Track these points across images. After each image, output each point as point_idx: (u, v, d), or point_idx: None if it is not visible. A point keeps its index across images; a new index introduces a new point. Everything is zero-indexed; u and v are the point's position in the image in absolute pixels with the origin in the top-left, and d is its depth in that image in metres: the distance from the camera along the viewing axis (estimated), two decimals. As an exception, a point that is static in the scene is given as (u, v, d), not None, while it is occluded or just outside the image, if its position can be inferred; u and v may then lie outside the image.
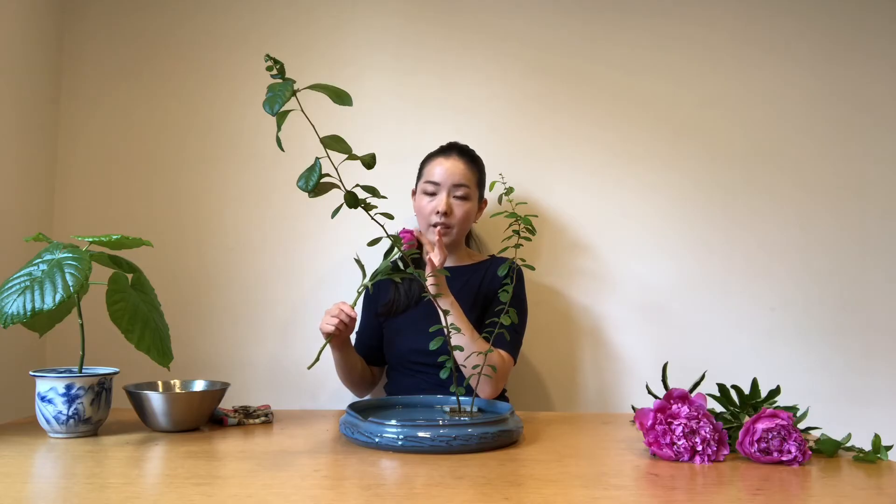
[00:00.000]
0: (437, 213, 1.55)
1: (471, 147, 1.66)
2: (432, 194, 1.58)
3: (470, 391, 1.28)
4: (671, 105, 1.88)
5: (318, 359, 1.25)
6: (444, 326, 1.20)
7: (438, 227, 1.54)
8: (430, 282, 1.39)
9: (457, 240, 1.61)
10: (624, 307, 1.84)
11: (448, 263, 1.65)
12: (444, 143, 1.66)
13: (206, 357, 1.80)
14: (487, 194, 1.67)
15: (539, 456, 1.09)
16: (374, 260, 1.66)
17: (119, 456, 1.07)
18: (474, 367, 1.26)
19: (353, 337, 1.62)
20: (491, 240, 1.83)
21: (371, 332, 1.65)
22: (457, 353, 1.33)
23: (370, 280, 1.31)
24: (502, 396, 1.59)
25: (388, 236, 1.24)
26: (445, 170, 1.57)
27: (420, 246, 1.55)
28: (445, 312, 1.24)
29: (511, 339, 1.46)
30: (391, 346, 1.61)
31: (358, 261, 1.33)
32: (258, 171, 1.84)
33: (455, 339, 1.35)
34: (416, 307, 1.59)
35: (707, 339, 1.83)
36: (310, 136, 1.01)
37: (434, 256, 1.40)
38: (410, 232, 1.45)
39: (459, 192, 1.57)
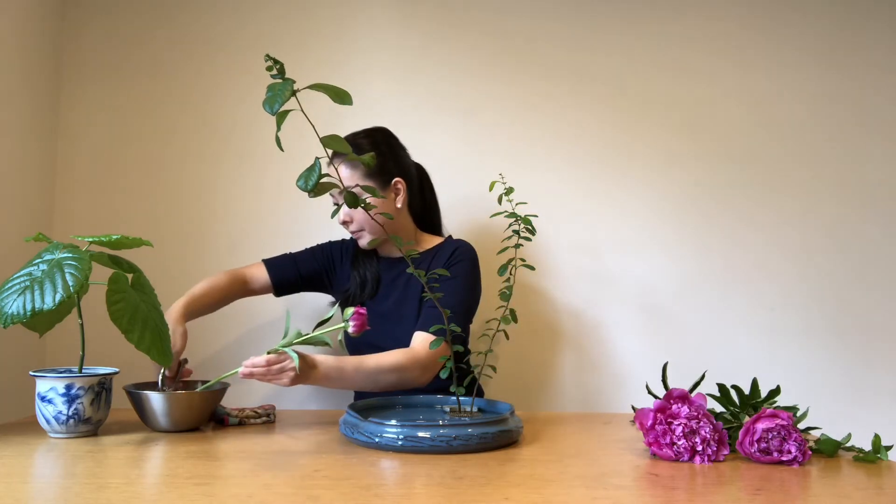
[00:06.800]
0: (342, 224, 1.51)
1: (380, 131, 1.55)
2: (337, 205, 1.40)
3: (469, 392, 1.28)
4: (671, 105, 1.88)
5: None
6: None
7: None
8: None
9: (383, 236, 1.47)
10: (624, 307, 1.84)
11: (393, 254, 1.58)
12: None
13: (207, 357, 1.80)
14: (488, 194, 1.51)
15: (539, 456, 1.09)
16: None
17: (119, 456, 1.07)
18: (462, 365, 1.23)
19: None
20: (490, 240, 1.82)
21: (304, 270, 1.60)
22: (372, 386, 1.33)
23: (281, 346, 1.24)
24: (479, 392, 1.50)
25: (389, 236, 1.24)
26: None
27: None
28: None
29: (440, 318, 1.28)
30: (348, 336, 1.50)
31: (287, 315, 1.29)
32: (258, 171, 1.84)
33: (359, 385, 1.36)
34: (372, 301, 1.55)
35: (707, 338, 1.83)
36: (310, 136, 1.01)
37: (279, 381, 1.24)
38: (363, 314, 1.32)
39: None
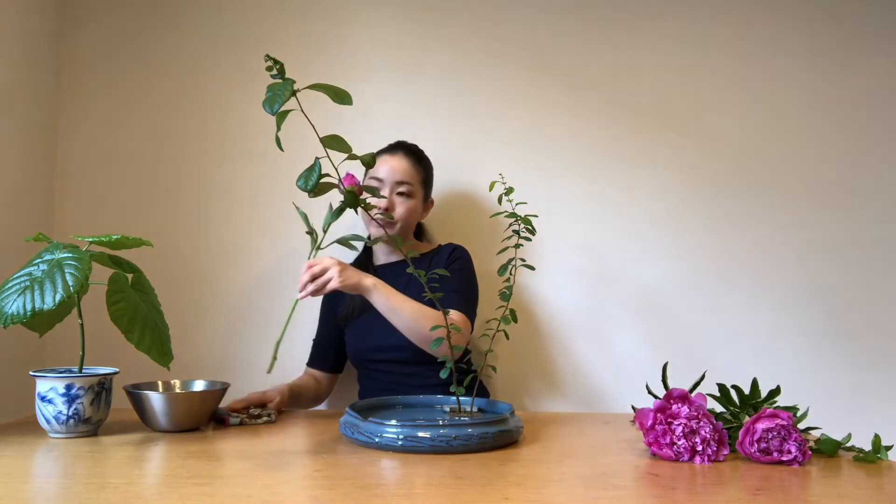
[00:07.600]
0: (379, 208, 1.55)
1: (420, 148, 1.67)
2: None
3: (469, 391, 1.28)
4: (671, 105, 1.88)
5: (275, 357, 1.26)
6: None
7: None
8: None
9: (400, 234, 1.59)
10: (624, 307, 1.84)
11: (395, 258, 1.65)
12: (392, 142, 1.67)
13: (206, 357, 1.80)
14: (487, 194, 1.66)
15: (539, 456, 1.09)
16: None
17: (119, 456, 1.07)
18: (433, 328, 1.25)
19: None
20: (490, 240, 1.82)
21: (329, 339, 1.67)
22: (413, 323, 1.37)
23: (324, 230, 1.28)
24: (483, 390, 1.57)
25: (389, 236, 1.25)
26: (390, 167, 1.57)
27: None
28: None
29: (461, 302, 1.48)
30: (349, 348, 1.62)
31: (300, 211, 1.31)
32: (258, 171, 1.84)
33: (404, 317, 1.38)
34: (371, 307, 1.58)
35: (707, 339, 1.83)
36: (310, 136, 1.01)
37: (335, 282, 1.35)
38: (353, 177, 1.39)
39: (402, 189, 1.56)
